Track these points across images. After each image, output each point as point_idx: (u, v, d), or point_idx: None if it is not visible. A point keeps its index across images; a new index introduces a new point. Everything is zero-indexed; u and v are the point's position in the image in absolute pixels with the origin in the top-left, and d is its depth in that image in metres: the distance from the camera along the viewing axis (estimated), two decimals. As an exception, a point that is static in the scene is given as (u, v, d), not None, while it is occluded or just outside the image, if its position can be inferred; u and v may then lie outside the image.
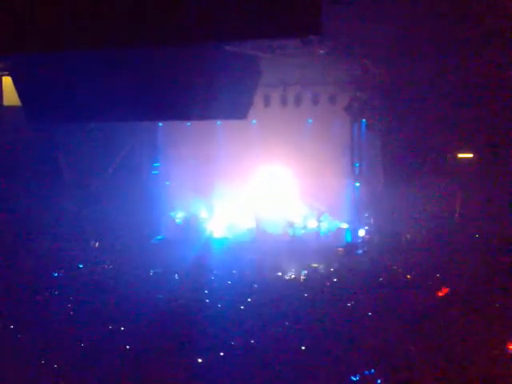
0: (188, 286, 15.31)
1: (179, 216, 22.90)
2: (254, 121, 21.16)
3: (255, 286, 15.13)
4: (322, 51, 14.67)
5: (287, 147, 21.25)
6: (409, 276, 15.75)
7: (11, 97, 16.42)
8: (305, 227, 21.61)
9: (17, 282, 15.06)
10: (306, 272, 16.72)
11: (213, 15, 7.95)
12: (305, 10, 7.69)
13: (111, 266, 17.73)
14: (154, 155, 22.87)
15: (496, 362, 10.16)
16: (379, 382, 9.63)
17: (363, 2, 12.50)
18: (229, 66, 14.14)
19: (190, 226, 22.17)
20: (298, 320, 12.31)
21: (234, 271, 16.74)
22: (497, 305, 12.72)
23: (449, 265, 15.78)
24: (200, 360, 10.48)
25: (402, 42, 14.76)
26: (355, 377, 9.75)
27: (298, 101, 20.01)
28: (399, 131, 17.97)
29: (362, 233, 20.20)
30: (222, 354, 10.64)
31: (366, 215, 20.16)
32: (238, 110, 16.09)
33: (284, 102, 20.10)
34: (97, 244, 19.82)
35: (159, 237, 22.05)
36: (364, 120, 19.27)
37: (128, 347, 11.08)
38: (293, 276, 16.58)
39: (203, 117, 15.79)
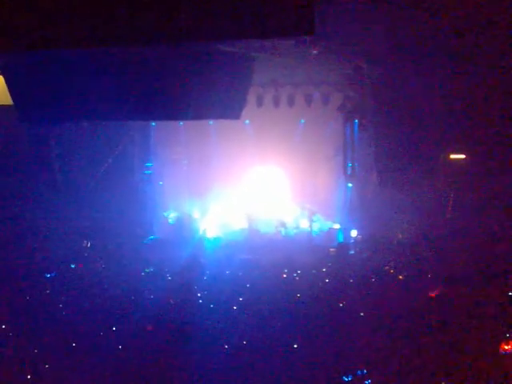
0: (180, 285, 15.30)
1: (172, 216, 22.85)
2: (247, 121, 21.18)
3: (247, 285, 15.13)
4: (314, 51, 14.67)
5: (280, 147, 21.26)
6: (401, 276, 15.77)
7: (3, 96, 16.36)
8: (297, 227, 21.63)
9: (9, 283, 15.00)
10: (298, 272, 16.70)
11: (206, 15, 7.95)
12: (298, 10, 7.71)
13: (103, 266, 17.68)
14: (147, 155, 22.81)
15: (488, 361, 10.18)
16: (370, 382, 9.65)
17: (356, 2, 12.52)
18: (221, 66, 14.13)
19: (183, 226, 22.14)
20: (290, 320, 12.32)
21: (227, 271, 16.73)
22: (488, 305, 12.75)
23: (440, 265, 15.80)
24: (193, 360, 10.47)
25: (394, 41, 14.77)
26: (347, 377, 9.76)
27: (290, 101, 20.02)
28: (391, 131, 17.96)
29: (354, 233, 20.19)
30: (214, 353, 10.64)
31: (359, 215, 20.14)
32: (231, 110, 16.07)
33: (277, 103, 20.11)
34: (88, 244, 19.75)
35: (152, 237, 22.00)
36: (357, 120, 19.24)
37: (120, 347, 11.07)
38: (285, 276, 16.56)
39: (196, 116, 15.78)
